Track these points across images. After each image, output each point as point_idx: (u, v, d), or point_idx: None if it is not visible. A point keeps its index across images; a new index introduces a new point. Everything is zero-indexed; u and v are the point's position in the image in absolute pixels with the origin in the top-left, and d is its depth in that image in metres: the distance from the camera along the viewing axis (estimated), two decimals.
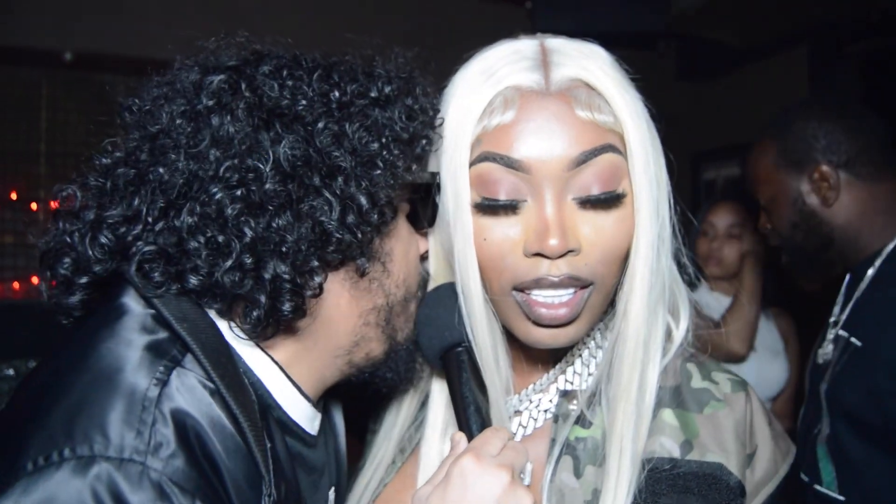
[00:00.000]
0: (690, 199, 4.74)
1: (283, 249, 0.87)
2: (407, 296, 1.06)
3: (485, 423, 0.99)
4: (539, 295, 0.99)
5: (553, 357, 1.12)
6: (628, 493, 0.97)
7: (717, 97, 4.89)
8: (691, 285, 1.14)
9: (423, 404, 1.18)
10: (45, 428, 0.77)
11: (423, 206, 1.07)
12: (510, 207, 0.98)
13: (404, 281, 1.04)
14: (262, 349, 0.95)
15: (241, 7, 3.72)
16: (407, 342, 1.08)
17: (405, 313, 1.06)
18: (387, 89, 0.98)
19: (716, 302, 2.92)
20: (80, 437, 0.76)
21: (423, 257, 1.12)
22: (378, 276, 1.00)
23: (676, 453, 1.03)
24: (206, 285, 0.87)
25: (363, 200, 0.91)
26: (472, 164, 1.00)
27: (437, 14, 4.32)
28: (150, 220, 0.87)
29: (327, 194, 0.89)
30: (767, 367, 2.87)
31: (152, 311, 0.87)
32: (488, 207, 0.99)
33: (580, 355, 1.12)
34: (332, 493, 1.11)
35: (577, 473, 1.03)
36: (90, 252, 0.88)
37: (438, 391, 1.14)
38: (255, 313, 0.87)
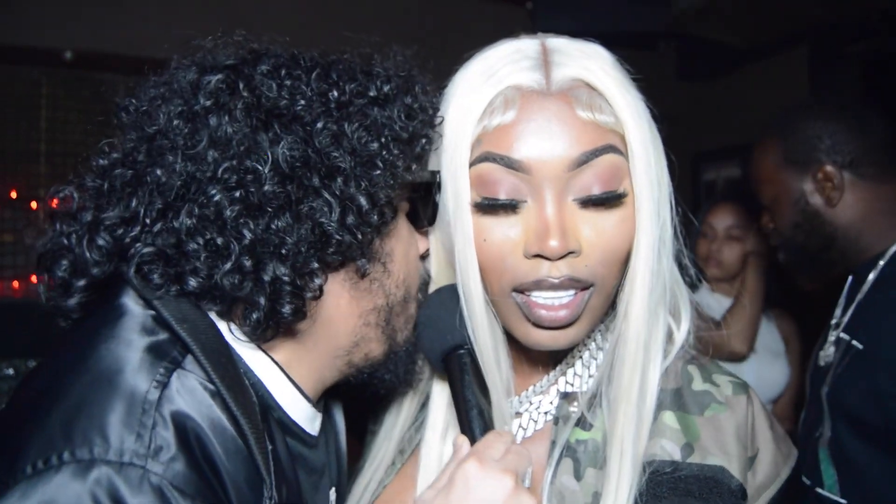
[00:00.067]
0: (690, 199, 4.74)
1: (283, 251, 0.86)
2: (407, 295, 1.05)
3: (487, 426, 0.99)
4: (539, 296, 0.99)
5: (553, 359, 1.12)
6: (629, 496, 0.97)
7: (718, 98, 4.88)
8: (692, 286, 1.14)
9: (423, 405, 1.18)
10: (43, 430, 0.77)
11: (423, 204, 1.06)
12: (510, 207, 0.98)
13: (404, 281, 1.04)
14: (263, 350, 0.95)
15: (242, 6, 3.71)
16: (406, 344, 1.07)
17: (405, 313, 1.06)
18: (385, 88, 0.97)
19: (717, 303, 2.92)
20: (80, 439, 0.75)
21: (424, 256, 1.12)
22: (378, 277, 0.99)
23: (677, 456, 1.03)
24: (206, 287, 0.86)
25: (363, 201, 0.90)
26: (472, 164, 0.99)
27: (437, 14, 4.31)
28: (147, 221, 0.87)
29: (327, 195, 0.88)
30: (767, 368, 2.86)
31: (152, 311, 0.87)
32: (488, 207, 0.99)
33: (580, 357, 1.12)
34: (332, 494, 1.11)
35: (578, 476, 1.02)
36: (88, 254, 0.88)
37: (439, 392, 1.13)
38: (254, 315, 0.87)
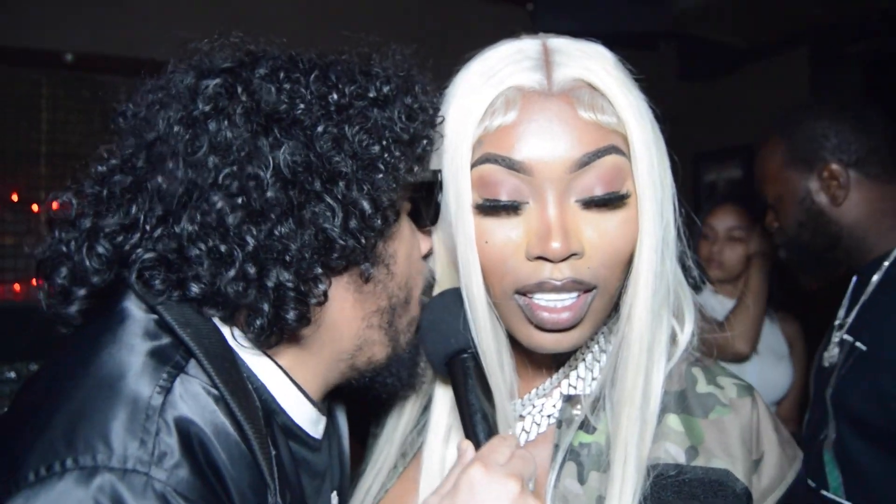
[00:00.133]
0: (691, 200, 4.72)
1: (287, 257, 0.85)
2: (409, 296, 1.05)
3: (492, 430, 0.98)
4: (541, 299, 0.98)
5: (556, 361, 1.11)
6: (633, 500, 0.96)
7: (718, 98, 4.88)
8: (696, 288, 1.13)
9: (426, 408, 1.17)
10: (46, 436, 0.76)
11: (425, 204, 1.06)
12: (511, 208, 0.97)
13: (407, 282, 1.03)
14: (267, 354, 0.94)
15: (242, 6, 3.71)
16: (409, 346, 1.07)
17: (408, 315, 1.05)
18: (385, 89, 0.96)
19: (719, 305, 2.91)
20: (83, 446, 0.75)
21: (426, 255, 1.11)
22: (382, 279, 0.99)
23: (682, 459, 1.02)
24: (208, 293, 0.86)
25: (366, 205, 0.89)
26: (473, 165, 0.99)
27: (437, 14, 4.31)
28: (148, 228, 0.86)
29: (329, 200, 0.87)
30: (770, 370, 2.86)
31: (154, 316, 0.87)
32: (490, 208, 0.98)
33: (583, 360, 1.11)
34: (335, 497, 1.10)
35: (581, 479, 1.02)
36: (87, 262, 0.87)
37: (441, 396, 1.13)
38: (258, 322, 0.86)
